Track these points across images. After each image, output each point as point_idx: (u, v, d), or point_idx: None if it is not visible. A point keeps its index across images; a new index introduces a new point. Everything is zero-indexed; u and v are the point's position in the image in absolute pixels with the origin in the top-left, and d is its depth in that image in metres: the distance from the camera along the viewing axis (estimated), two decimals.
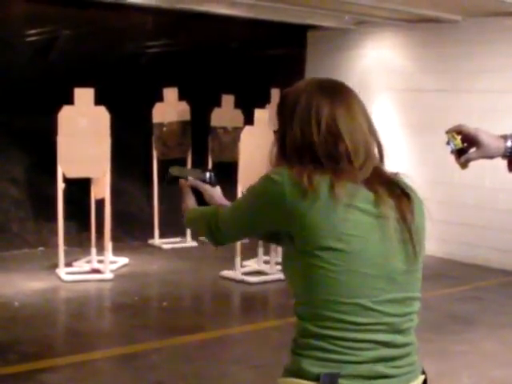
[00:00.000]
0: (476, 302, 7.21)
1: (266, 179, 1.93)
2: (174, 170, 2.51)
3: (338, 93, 2.00)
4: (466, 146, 2.31)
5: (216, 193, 2.38)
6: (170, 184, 2.51)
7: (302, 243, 1.88)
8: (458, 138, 2.31)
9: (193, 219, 2.29)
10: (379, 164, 2.00)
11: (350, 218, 1.86)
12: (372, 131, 2.00)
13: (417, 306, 1.99)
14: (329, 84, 2.03)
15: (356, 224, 1.86)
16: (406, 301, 1.94)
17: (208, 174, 2.41)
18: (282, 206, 1.89)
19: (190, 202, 2.38)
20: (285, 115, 2.02)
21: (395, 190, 1.95)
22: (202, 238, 2.16)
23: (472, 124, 2.40)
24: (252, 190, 1.99)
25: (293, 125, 1.97)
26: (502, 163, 2.36)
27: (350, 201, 1.86)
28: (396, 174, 2.02)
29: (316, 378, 1.86)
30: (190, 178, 2.42)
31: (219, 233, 2.12)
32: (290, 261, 1.95)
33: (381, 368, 1.89)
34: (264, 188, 1.94)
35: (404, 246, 1.92)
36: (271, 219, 1.95)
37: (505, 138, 2.31)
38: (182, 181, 2.44)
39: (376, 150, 2.01)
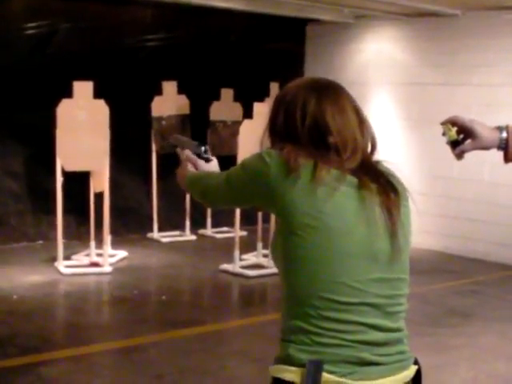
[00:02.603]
0: (475, 295, 7.22)
1: (257, 157, 1.99)
2: (173, 139, 2.64)
3: (326, 89, 2.05)
4: (462, 137, 2.32)
5: (209, 167, 2.46)
6: (166, 151, 2.66)
7: (283, 222, 1.93)
8: (454, 129, 2.32)
9: (193, 182, 2.36)
10: (368, 157, 2.04)
11: (330, 199, 1.89)
12: (363, 127, 2.04)
13: (405, 288, 2.01)
14: (318, 82, 2.10)
15: (337, 205, 1.90)
16: (393, 282, 1.96)
17: (203, 148, 2.48)
18: (265, 186, 1.94)
19: (189, 167, 2.46)
20: (273, 108, 2.09)
21: (379, 179, 1.98)
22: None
23: (471, 117, 2.40)
24: (242, 165, 2.05)
25: (278, 117, 2.05)
26: (500, 157, 2.36)
27: (332, 183, 1.90)
28: (378, 162, 2.06)
29: (303, 364, 1.88)
30: (186, 151, 2.50)
31: (211, 197, 2.23)
32: (276, 242, 1.99)
33: (366, 354, 1.90)
34: (252, 165, 2.00)
35: (388, 230, 1.94)
36: (255, 196, 2.02)
37: (500, 129, 2.32)
38: (178, 149, 2.55)
39: (369, 144, 2.06)
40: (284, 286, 1.98)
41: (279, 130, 2.04)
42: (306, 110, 2.00)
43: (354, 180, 1.94)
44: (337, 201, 1.90)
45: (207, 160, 2.47)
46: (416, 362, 2.03)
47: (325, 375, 1.86)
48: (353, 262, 1.90)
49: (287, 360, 1.92)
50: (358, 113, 2.05)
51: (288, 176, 1.90)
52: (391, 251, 1.94)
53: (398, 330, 1.97)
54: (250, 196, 2.06)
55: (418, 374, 2.03)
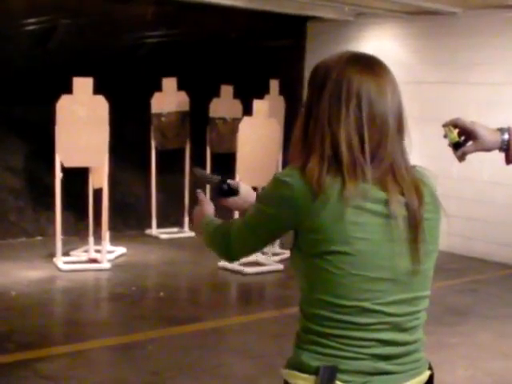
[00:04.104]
0: (474, 294, 7.22)
1: (276, 182, 1.87)
2: (197, 172, 2.59)
3: (368, 64, 1.88)
4: (463, 139, 2.32)
5: (242, 201, 2.36)
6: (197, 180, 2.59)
7: (309, 245, 1.83)
8: (455, 131, 2.31)
9: (208, 235, 2.17)
10: (399, 161, 1.88)
11: (359, 220, 1.80)
12: (400, 120, 1.91)
13: (424, 304, 1.95)
14: (360, 55, 1.91)
15: (365, 227, 1.81)
16: (413, 300, 1.90)
17: (225, 186, 2.39)
18: (293, 207, 1.82)
19: (206, 212, 2.29)
20: (315, 88, 1.88)
21: (409, 188, 1.86)
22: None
23: (471, 116, 2.39)
24: (262, 196, 1.93)
25: (323, 100, 1.85)
26: (500, 157, 2.36)
27: (360, 202, 1.80)
28: (413, 167, 1.94)
29: (315, 371, 1.84)
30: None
31: (234, 248, 2.02)
32: (295, 260, 1.91)
33: (382, 364, 1.86)
34: (274, 191, 1.87)
35: (412, 245, 1.86)
36: (284, 221, 1.88)
37: (501, 131, 2.31)
38: (198, 191, 2.43)
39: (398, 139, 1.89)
40: (303, 303, 1.92)
41: (320, 116, 1.84)
42: (351, 90, 1.82)
43: (381, 196, 1.82)
44: (365, 222, 1.81)
45: (235, 193, 2.37)
46: (430, 367, 2.00)
47: None
48: (375, 286, 1.84)
49: (300, 367, 1.88)
50: (398, 101, 1.89)
51: (315, 198, 1.79)
52: (412, 270, 1.87)
53: (415, 341, 1.93)
54: (278, 225, 1.90)
55: (431, 378, 2.01)
